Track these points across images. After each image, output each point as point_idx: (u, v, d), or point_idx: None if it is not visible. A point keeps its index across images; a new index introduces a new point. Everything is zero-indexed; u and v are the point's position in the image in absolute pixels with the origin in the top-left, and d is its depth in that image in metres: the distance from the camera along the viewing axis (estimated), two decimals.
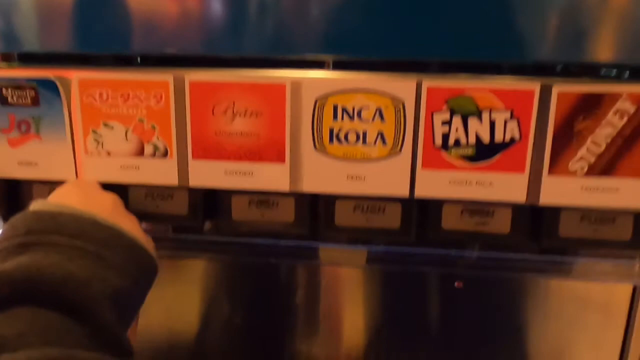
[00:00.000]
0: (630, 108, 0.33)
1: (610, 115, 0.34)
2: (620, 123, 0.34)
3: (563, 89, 0.34)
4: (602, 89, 0.33)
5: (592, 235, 0.37)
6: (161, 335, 0.64)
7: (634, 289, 0.53)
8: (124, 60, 0.39)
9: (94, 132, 0.38)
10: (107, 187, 0.40)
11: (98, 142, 0.39)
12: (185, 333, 0.64)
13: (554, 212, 0.37)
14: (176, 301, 0.63)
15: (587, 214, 0.36)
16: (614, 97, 0.33)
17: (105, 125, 0.38)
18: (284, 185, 0.38)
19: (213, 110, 0.37)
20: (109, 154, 0.39)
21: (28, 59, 0.39)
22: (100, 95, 0.38)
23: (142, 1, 0.36)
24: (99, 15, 0.37)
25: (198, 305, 0.63)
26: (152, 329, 0.63)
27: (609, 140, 0.34)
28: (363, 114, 0.36)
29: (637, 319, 0.54)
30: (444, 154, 0.36)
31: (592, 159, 0.34)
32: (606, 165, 0.34)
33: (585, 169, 0.35)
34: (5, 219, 0.45)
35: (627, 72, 0.35)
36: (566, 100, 0.34)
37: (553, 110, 0.34)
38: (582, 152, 0.34)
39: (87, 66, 0.38)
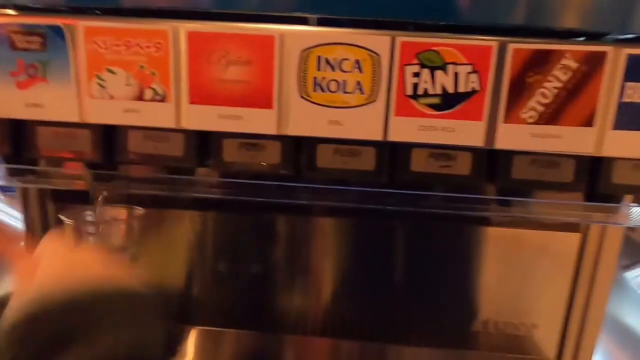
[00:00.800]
0: (574, 64, 0.39)
1: (556, 70, 0.39)
2: (564, 77, 0.39)
3: (517, 46, 0.39)
4: (550, 46, 0.39)
5: (540, 177, 0.42)
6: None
7: (583, 237, 0.60)
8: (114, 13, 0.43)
9: (98, 76, 0.42)
10: (109, 128, 0.44)
11: (101, 86, 0.42)
12: (171, 283, 0.69)
13: (508, 156, 0.42)
14: (163, 252, 0.67)
15: (536, 159, 0.42)
16: (560, 54, 0.39)
17: (109, 70, 0.42)
18: (271, 128, 0.42)
19: (208, 59, 0.41)
20: (111, 97, 0.42)
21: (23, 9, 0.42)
22: (104, 42, 0.41)
23: None
24: None
25: (184, 256, 0.67)
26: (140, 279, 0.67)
27: (555, 92, 0.39)
28: (343, 65, 0.40)
29: (584, 265, 0.60)
30: (413, 102, 0.40)
31: (541, 109, 0.40)
32: (552, 115, 0.40)
33: (535, 118, 0.40)
34: (8, 160, 0.48)
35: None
36: (520, 56, 0.39)
37: (508, 64, 0.39)
38: (532, 102, 0.40)
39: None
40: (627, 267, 1.04)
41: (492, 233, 0.60)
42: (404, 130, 0.41)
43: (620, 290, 1.04)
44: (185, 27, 0.40)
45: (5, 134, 0.45)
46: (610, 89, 0.39)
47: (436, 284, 0.63)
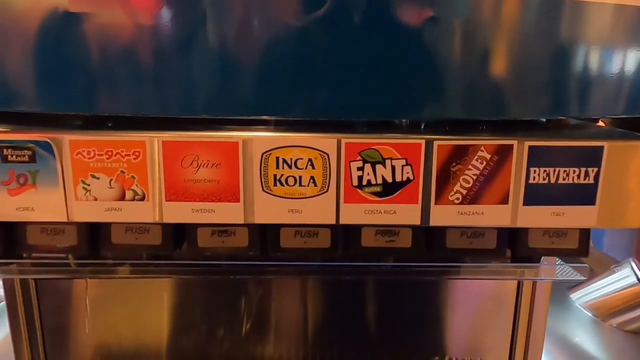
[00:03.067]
0: (487, 155, 0.47)
1: (474, 160, 0.47)
2: (481, 166, 0.47)
3: (441, 143, 0.47)
4: (468, 142, 0.47)
5: (469, 246, 0.50)
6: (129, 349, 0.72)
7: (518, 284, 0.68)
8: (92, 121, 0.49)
9: (83, 182, 0.48)
10: (93, 225, 0.49)
11: (86, 190, 0.48)
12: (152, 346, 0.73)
13: (442, 231, 0.50)
14: (142, 318, 0.72)
15: (464, 231, 0.50)
16: (476, 148, 0.47)
17: (92, 176, 0.48)
18: (239, 219, 0.48)
19: (181, 163, 0.47)
20: (95, 199, 0.48)
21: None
22: (88, 152, 0.47)
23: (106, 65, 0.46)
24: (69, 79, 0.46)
25: (164, 321, 0.72)
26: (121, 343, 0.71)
27: (474, 178, 0.48)
28: (298, 163, 0.47)
29: (521, 307, 0.69)
30: (359, 191, 0.48)
31: (464, 192, 0.48)
32: (474, 196, 0.48)
33: (460, 199, 0.48)
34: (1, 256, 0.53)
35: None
36: (444, 151, 0.47)
37: (435, 158, 0.47)
38: (457, 187, 0.48)
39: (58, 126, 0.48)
40: (572, 288, 1.14)
41: (439, 284, 0.68)
42: (352, 214, 0.48)
43: (566, 310, 1.14)
44: (160, 137, 0.47)
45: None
46: (519, 173, 0.47)
47: (399, 330, 0.70)
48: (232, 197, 0.48)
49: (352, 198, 0.48)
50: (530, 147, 0.47)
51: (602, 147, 0.47)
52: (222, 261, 0.52)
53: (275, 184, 0.48)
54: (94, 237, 0.50)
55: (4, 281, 0.67)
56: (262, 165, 0.47)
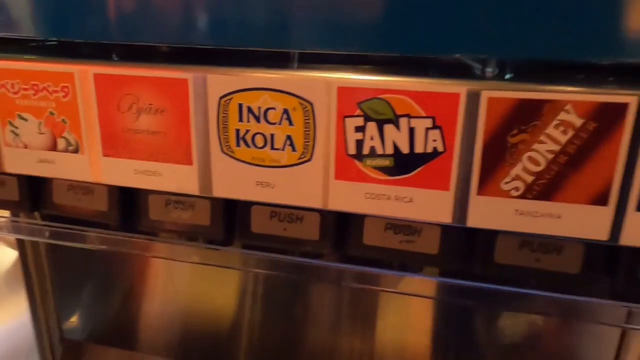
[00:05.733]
0: (577, 121, 0.27)
1: (551, 128, 0.28)
2: (563, 138, 0.28)
3: (494, 94, 0.28)
4: (542, 95, 0.27)
5: (534, 265, 0.31)
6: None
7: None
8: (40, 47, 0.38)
9: (10, 123, 0.37)
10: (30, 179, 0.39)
11: (15, 134, 0.38)
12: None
13: (489, 236, 0.32)
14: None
15: (527, 240, 0.31)
16: (557, 106, 0.27)
17: (20, 116, 0.37)
18: (193, 188, 0.35)
19: (118, 106, 0.34)
20: (25, 146, 0.38)
21: None
22: (12, 86, 0.36)
23: None
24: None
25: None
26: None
27: (550, 157, 0.28)
28: (269, 115, 0.32)
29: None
30: (358, 164, 0.31)
31: (529, 179, 0.29)
32: (546, 187, 0.29)
33: (521, 190, 0.29)
34: None
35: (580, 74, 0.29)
36: (499, 107, 0.28)
37: (482, 118, 0.28)
38: (517, 170, 0.29)
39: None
40: None
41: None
42: (347, 197, 0.32)
43: None
44: (91, 70, 0.34)
45: None
46: (634, 155, 0.27)
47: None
48: (183, 157, 0.34)
49: (348, 173, 0.32)
50: None
51: None
52: (179, 239, 0.40)
53: (238, 144, 0.33)
54: (35, 193, 0.40)
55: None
56: (221, 114, 0.33)
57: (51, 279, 0.63)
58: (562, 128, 0.28)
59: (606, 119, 0.27)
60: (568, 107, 0.27)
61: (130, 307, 0.65)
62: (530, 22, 0.27)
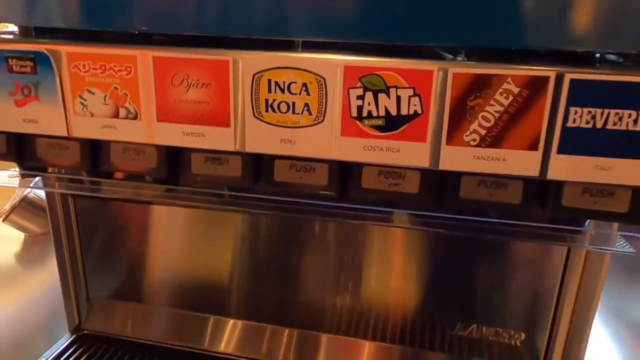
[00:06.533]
0: (515, 88, 0.38)
1: (497, 94, 0.39)
2: (506, 101, 0.39)
3: (457, 70, 0.39)
4: (491, 71, 0.39)
5: (488, 198, 0.43)
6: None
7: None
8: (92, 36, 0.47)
9: (80, 96, 0.47)
10: (92, 142, 0.49)
11: (83, 105, 0.47)
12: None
13: (455, 177, 0.43)
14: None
15: (484, 180, 0.42)
16: (502, 79, 0.39)
17: (88, 91, 0.46)
18: (230, 145, 0.45)
19: (172, 81, 0.44)
20: (92, 115, 0.47)
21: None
22: (84, 66, 0.46)
23: None
24: None
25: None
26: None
27: (496, 116, 0.39)
28: (292, 87, 0.42)
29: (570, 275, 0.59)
30: (359, 124, 0.42)
31: (483, 132, 0.40)
32: (495, 138, 0.40)
33: (477, 141, 0.40)
34: (19, 165, 0.55)
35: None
36: (460, 80, 0.39)
37: (449, 88, 0.39)
38: (474, 126, 0.40)
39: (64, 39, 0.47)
40: None
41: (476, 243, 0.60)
42: (350, 149, 0.43)
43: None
44: (151, 53, 0.44)
45: (10, 145, 0.51)
46: (554, 114, 0.38)
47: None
48: (223, 121, 0.44)
49: (350, 131, 0.42)
50: (572, 80, 0.37)
51: None
52: (216, 190, 0.50)
53: (267, 110, 0.43)
54: (94, 154, 0.50)
55: (47, 195, 0.71)
56: (254, 88, 0.43)
57: (79, 237, 0.72)
58: (505, 94, 0.39)
59: (535, 87, 0.38)
60: (509, 79, 0.38)
61: (148, 263, 0.74)
62: (481, 20, 0.38)
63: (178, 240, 0.71)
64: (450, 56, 0.42)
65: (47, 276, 0.98)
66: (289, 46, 0.44)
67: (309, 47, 0.43)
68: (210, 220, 0.66)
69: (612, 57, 0.42)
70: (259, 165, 0.47)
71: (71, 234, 0.73)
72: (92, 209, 0.72)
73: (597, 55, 0.42)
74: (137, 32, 0.44)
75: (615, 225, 0.52)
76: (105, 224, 0.73)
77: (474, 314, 0.63)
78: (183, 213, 0.68)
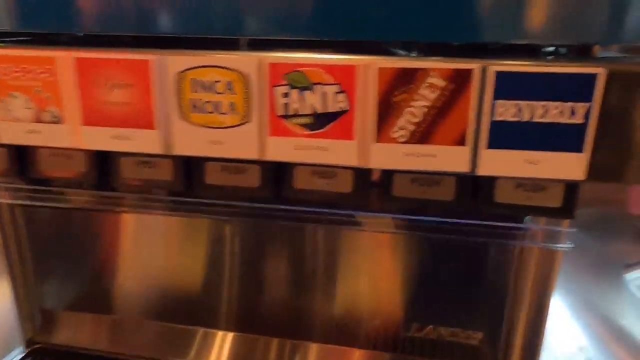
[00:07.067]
0: (440, 82, 0.37)
1: (422, 89, 0.38)
2: (432, 96, 0.38)
3: (382, 64, 0.38)
4: (415, 64, 0.37)
5: (421, 195, 0.41)
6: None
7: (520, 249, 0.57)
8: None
9: (2, 101, 0.45)
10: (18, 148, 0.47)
11: (7, 110, 0.45)
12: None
13: (388, 175, 0.41)
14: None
15: (416, 177, 0.41)
16: (426, 72, 0.37)
17: (10, 95, 0.45)
18: (155, 148, 0.44)
19: (95, 83, 0.43)
20: (17, 119, 0.45)
21: None
22: (5, 69, 0.44)
23: None
24: None
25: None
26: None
27: (424, 111, 0.38)
28: (216, 86, 0.41)
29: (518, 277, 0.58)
30: (286, 122, 0.41)
31: (411, 128, 0.39)
32: (423, 134, 0.39)
33: (406, 137, 0.39)
34: None
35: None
36: (386, 75, 0.38)
37: (374, 84, 0.38)
38: (401, 122, 0.39)
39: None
40: (630, 266, 0.99)
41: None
42: (280, 149, 0.41)
43: (617, 290, 1.01)
44: (71, 54, 0.42)
45: None
46: (481, 107, 0.37)
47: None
48: (147, 123, 0.43)
49: (279, 130, 0.41)
50: (497, 72, 0.36)
51: (595, 75, 0.35)
52: (148, 194, 0.48)
53: (192, 110, 0.42)
54: (22, 161, 0.48)
55: None
56: (178, 88, 0.41)
57: (29, 247, 0.70)
58: (431, 89, 0.38)
59: (460, 81, 0.37)
60: (433, 73, 0.37)
61: (106, 272, 0.72)
62: (416, 15, 0.37)
63: (132, 247, 0.69)
64: (403, 52, 0.41)
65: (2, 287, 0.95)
66: (234, 45, 0.42)
67: (254, 45, 0.42)
68: (166, 225, 0.64)
69: (563, 50, 0.41)
70: (190, 168, 0.45)
71: (20, 243, 0.71)
72: (41, 217, 0.70)
73: (552, 49, 0.41)
74: (59, 34, 0.43)
75: (567, 222, 0.51)
76: (56, 232, 0.71)
77: (429, 315, 0.62)
78: (134, 219, 0.67)
